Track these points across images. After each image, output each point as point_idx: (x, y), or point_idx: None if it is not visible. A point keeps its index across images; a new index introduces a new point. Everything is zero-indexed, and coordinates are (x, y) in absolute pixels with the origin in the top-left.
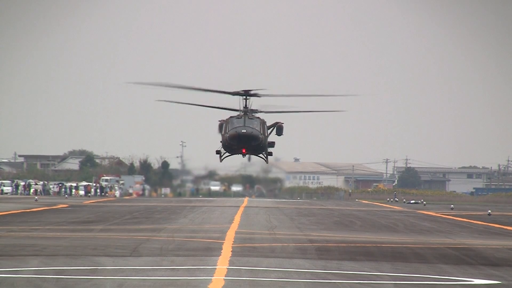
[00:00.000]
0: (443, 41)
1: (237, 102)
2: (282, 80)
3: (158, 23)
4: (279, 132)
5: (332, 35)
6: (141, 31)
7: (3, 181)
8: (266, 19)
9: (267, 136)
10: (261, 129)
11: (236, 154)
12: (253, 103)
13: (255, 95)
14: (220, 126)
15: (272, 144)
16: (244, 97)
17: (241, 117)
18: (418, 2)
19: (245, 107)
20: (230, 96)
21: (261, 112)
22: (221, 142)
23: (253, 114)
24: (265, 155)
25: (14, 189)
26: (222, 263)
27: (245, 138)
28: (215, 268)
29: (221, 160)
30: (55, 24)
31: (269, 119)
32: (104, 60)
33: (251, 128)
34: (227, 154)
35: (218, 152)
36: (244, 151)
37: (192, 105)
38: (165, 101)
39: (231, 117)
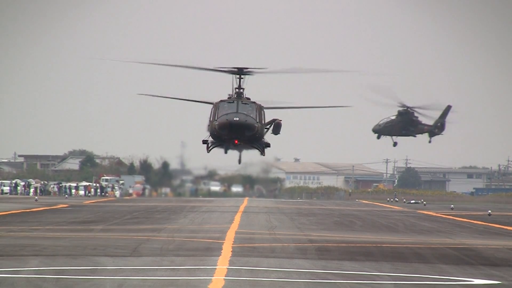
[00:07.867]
0: (444, 40)
1: (230, 89)
2: (277, 60)
3: (152, 16)
4: (276, 130)
5: (331, 33)
6: (139, 26)
7: (3, 181)
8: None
9: (264, 124)
10: (257, 116)
11: (226, 144)
12: (249, 95)
13: (249, 73)
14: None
15: (267, 145)
16: (238, 75)
17: (233, 101)
18: (418, 1)
19: (239, 87)
20: (223, 74)
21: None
22: (208, 127)
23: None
24: (261, 147)
25: (13, 189)
26: (222, 263)
27: (238, 127)
28: (215, 268)
29: (208, 151)
30: (55, 23)
31: (267, 116)
32: (103, 59)
33: (245, 115)
34: (215, 144)
35: (205, 141)
36: (236, 142)
37: (173, 99)
38: (146, 95)
39: (221, 100)
